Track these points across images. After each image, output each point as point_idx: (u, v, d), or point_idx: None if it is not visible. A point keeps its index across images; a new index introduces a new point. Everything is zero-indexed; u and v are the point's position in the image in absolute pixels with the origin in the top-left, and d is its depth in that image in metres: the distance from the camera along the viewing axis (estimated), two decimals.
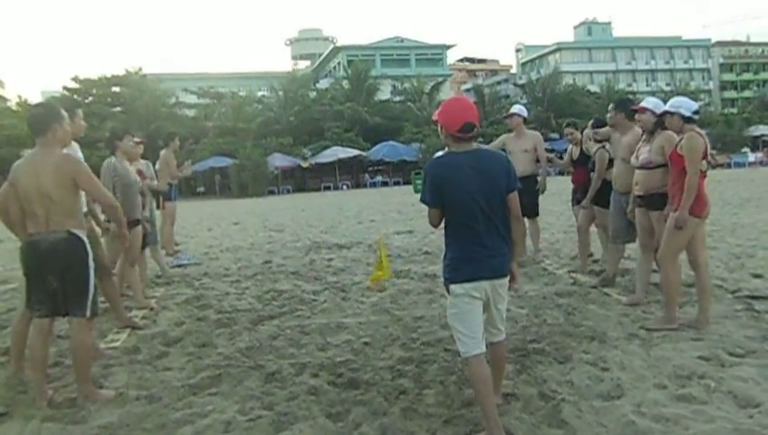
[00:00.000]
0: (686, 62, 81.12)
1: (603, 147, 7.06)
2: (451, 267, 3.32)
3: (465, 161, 3.25)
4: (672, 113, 4.88)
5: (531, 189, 8.33)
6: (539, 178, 8.37)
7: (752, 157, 49.84)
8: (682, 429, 3.19)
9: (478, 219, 3.24)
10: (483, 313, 3.32)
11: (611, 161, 6.82)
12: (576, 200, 7.88)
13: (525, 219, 8.40)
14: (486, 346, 3.34)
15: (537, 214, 8.60)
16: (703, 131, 4.94)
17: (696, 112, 4.90)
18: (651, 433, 3.16)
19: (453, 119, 3.27)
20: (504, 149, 8.05)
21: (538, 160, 8.49)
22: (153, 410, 3.78)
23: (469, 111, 3.32)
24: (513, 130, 8.54)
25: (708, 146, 4.87)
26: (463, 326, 3.26)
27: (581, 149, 7.70)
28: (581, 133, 7.76)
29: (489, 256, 3.26)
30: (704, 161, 4.77)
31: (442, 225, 3.39)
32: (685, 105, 4.89)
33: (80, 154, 5.06)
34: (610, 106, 6.41)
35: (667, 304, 4.98)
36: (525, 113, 8.68)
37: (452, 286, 3.30)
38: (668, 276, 4.92)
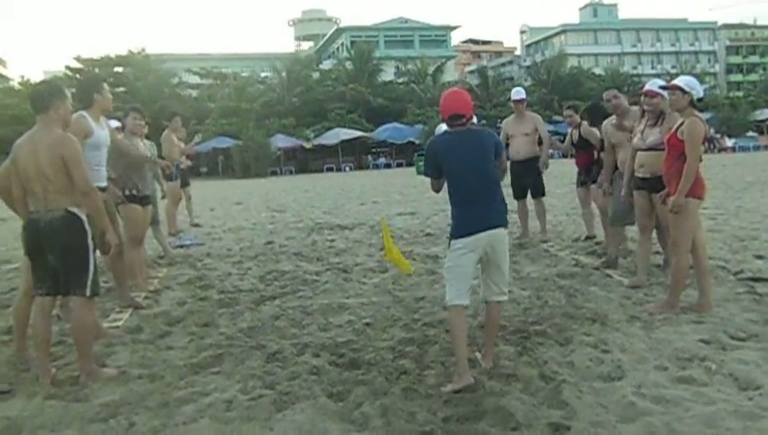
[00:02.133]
0: (691, 45, 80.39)
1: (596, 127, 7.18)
2: (453, 226, 3.91)
3: (458, 139, 3.90)
4: (685, 92, 4.78)
5: (534, 171, 8.39)
6: (543, 163, 8.39)
7: (729, 142, 48.74)
8: (682, 410, 3.19)
9: (471, 184, 3.83)
10: (480, 268, 3.92)
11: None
12: (580, 181, 7.97)
13: (531, 199, 8.52)
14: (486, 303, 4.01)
15: (542, 194, 8.63)
16: (703, 116, 4.89)
17: (699, 99, 4.85)
18: (651, 414, 3.16)
19: (443, 108, 3.94)
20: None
21: (540, 143, 8.50)
22: (155, 388, 3.80)
23: (457, 102, 3.94)
24: (517, 113, 8.54)
25: (708, 131, 4.82)
26: (453, 277, 3.85)
27: (580, 132, 7.71)
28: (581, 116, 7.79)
29: (482, 212, 3.82)
30: (702, 146, 4.74)
31: (445, 211, 3.74)
32: (698, 88, 4.83)
33: (105, 131, 5.08)
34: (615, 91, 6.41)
35: (673, 289, 4.95)
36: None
37: (452, 241, 3.87)
38: (681, 262, 4.88)
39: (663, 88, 5.27)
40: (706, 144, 4.78)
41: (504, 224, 3.89)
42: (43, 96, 4.00)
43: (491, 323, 4.03)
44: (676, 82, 4.91)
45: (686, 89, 4.78)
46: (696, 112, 4.79)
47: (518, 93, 8.60)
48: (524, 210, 8.63)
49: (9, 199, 4.24)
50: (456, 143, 3.88)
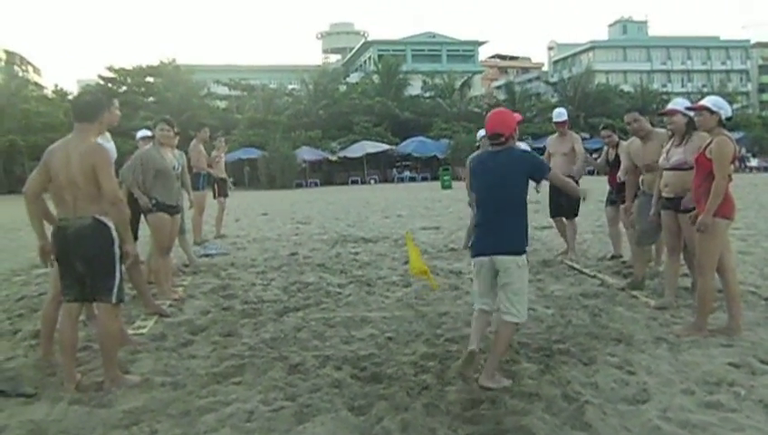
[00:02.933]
0: (723, 63, 79.35)
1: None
2: (471, 243, 4.23)
3: (491, 158, 4.10)
4: (713, 112, 4.74)
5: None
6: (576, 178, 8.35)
7: (754, 162, 47.75)
8: None
9: (489, 205, 4.03)
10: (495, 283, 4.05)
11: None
12: (609, 201, 7.95)
13: (564, 220, 8.46)
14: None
15: (576, 215, 8.52)
16: (732, 135, 4.83)
17: (729, 119, 4.79)
18: None
19: (487, 126, 4.13)
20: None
21: None
22: (177, 396, 3.83)
23: (496, 122, 4.07)
24: (559, 133, 8.58)
25: (737, 150, 4.77)
26: (475, 285, 4.21)
27: (617, 152, 7.69)
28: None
29: (490, 234, 4.00)
30: (731, 165, 4.67)
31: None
32: (725, 107, 4.78)
33: (111, 144, 5.14)
34: (635, 114, 6.36)
35: (700, 311, 4.86)
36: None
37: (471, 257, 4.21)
38: (706, 284, 4.80)
39: (690, 109, 5.23)
40: (737, 163, 4.73)
41: (510, 251, 3.92)
42: (93, 106, 4.13)
43: (496, 340, 4.04)
44: (704, 102, 4.88)
45: (714, 109, 4.73)
46: (725, 132, 4.73)
47: (560, 115, 8.66)
48: (561, 227, 8.63)
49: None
50: (486, 164, 4.09)
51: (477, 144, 9.75)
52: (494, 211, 3.97)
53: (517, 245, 3.95)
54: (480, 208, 4.10)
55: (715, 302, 5.07)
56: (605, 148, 8.14)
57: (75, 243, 3.93)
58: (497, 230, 3.95)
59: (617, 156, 7.68)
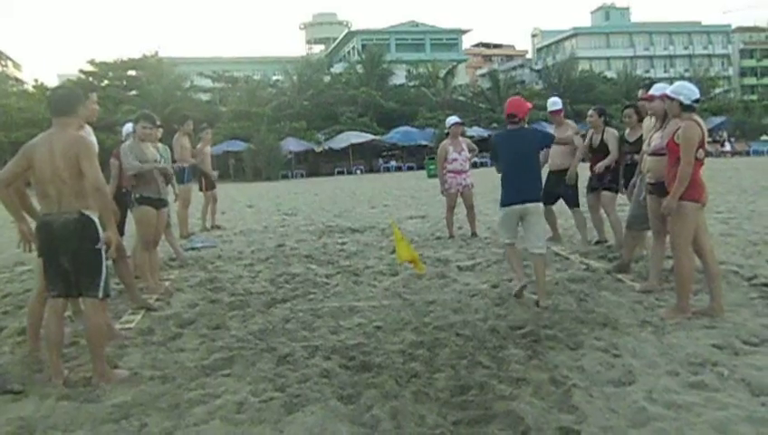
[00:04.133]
0: (705, 48, 79.83)
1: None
2: (501, 197, 5.60)
3: (510, 135, 5.70)
4: (672, 99, 4.83)
5: (564, 182, 8.16)
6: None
7: (728, 146, 47.72)
8: (694, 416, 3.18)
9: (513, 169, 5.53)
10: (519, 226, 5.65)
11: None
12: (591, 187, 7.87)
13: (568, 210, 8.40)
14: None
15: (577, 204, 8.40)
16: (715, 119, 4.92)
17: (696, 101, 4.84)
18: (662, 420, 3.15)
19: (506, 109, 5.68)
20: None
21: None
22: (166, 390, 3.83)
23: (513, 106, 5.67)
24: (556, 123, 8.43)
25: (706, 135, 4.83)
26: (502, 229, 5.78)
27: (602, 136, 7.63)
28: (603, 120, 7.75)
29: (519, 190, 5.48)
30: (701, 150, 4.73)
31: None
32: (685, 92, 4.83)
33: (92, 138, 5.09)
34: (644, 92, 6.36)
35: (678, 293, 4.93)
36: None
37: (500, 208, 5.68)
38: (681, 265, 4.87)
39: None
40: (717, 147, 4.82)
41: (534, 199, 5.48)
42: (69, 100, 4.11)
43: (537, 273, 5.49)
44: (666, 90, 5.01)
45: (672, 96, 4.84)
46: (695, 116, 4.80)
47: (553, 105, 8.41)
48: (552, 217, 8.52)
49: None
50: (508, 138, 5.70)
51: (447, 131, 9.71)
52: (518, 172, 5.47)
53: (538, 195, 5.57)
54: (506, 171, 5.54)
55: (698, 284, 5.12)
56: (590, 132, 8.01)
57: (60, 238, 3.90)
58: (522, 186, 5.46)
59: (602, 141, 7.64)
